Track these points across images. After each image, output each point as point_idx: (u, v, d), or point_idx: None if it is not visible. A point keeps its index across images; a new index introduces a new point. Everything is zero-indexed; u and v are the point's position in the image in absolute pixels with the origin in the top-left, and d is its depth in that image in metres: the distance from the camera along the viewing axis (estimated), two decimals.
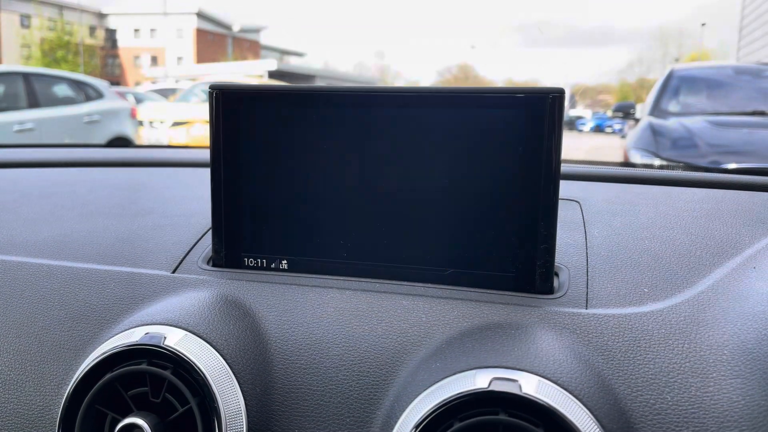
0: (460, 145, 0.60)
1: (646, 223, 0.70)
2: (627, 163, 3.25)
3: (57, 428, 0.53)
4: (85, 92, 6.83)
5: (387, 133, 0.61)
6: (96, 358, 0.54)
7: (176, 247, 0.71)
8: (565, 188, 0.80)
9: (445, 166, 0.60)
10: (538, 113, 0.57)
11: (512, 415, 0.46)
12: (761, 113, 4.11)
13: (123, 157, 1.18)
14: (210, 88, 0.65)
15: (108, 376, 0.53)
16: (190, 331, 0.56)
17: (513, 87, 0.58)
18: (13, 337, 0.63)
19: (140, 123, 7.96)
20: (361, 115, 0.61)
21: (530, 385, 0.47)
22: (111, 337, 0.57)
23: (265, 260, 0.66)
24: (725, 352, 0.51)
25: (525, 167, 0.58)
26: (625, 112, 5.34)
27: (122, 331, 0.57)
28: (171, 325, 0.56)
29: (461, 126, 0.59)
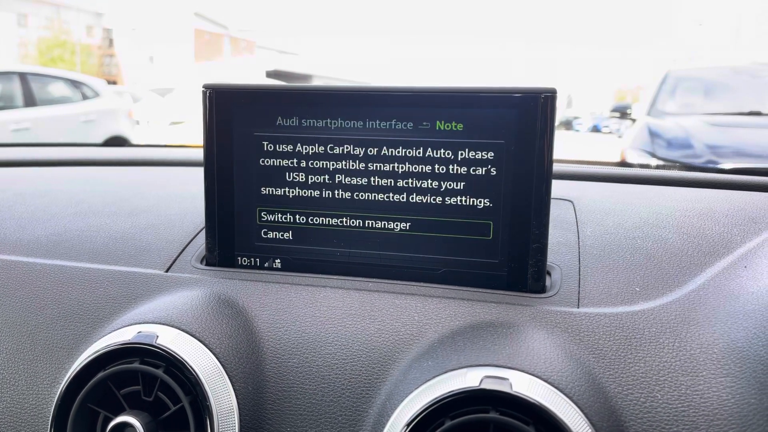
0: (452, 144, 0.60)
1: (638, 222, 0.71)
2: (620, 163, 3.26)
3: (49, 427, 0.53)
4: (82, 91, 6.81)
5: (381, 132, 0.61)
6: (88, 356, 0.54)
7: (170, 246, 0.71)
8: (558, 187, 0.80)
9: (438, 164, 0.60)
10: (530, 112, 0.57)
11: (503, 414, 0.46)
12: (758, 113, 4.12)
13: (116, 157, 1.18)
14: (203, 87, 0.65)
15: (100, 374, 0.53)
16: (182, 330, 0.56)
17: (506, 86, 0.58)
18: (5, 336, 0.63)
19: (137, 122, 7.94)
20: (352, 114, 0.61)
21: (521, 384, 0.47)
22: (104, 336, 0.57)
23: (258, 259, 0.66)
24: (716, 350, 0.51)
25: (517, 166, 0.58)
26: (622, 112, 5.35)
27: (115, 330, 0.57)
28: (164, 324, 0.56)
29: (454, 125, 0.59)
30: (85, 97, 6.81)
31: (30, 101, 6.23)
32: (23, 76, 6.30)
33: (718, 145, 3.64)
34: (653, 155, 3.82)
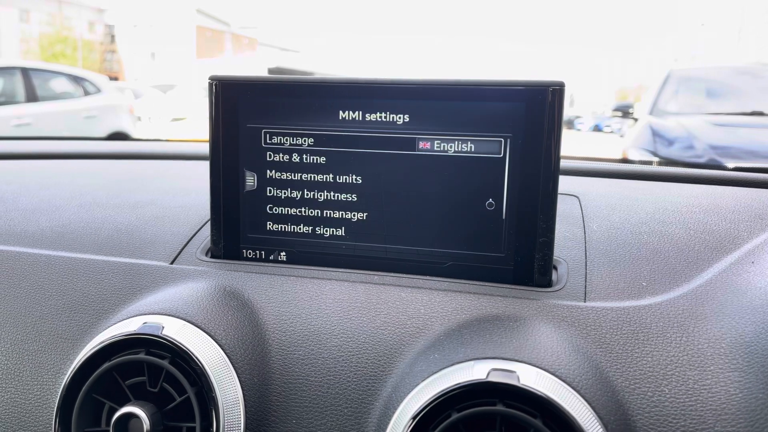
0: (459, 137, 0.59)
1: (644, 218, 0.70)
2: (626, 160, 3.26)
3: (54, 417, 0.53)
4: (84, 87, 6.81)
5: (386, 125, 0.61)
6: (94, 347, 0.54)
7: (175, 238, 0.71)
8: (565, 183, 0.80)
9: (444, 158, 0.60)
10: (538, 106, 0.57)
11: (510, 406, 0.46)
12: (760, 114, 4.11)
13: (122, 150, 1.18)
14: (210, 79, 0.65)
15: (106, 365, 0.53)
16: (188, 321, 0.56)
17: (514, 80, 0.58)
18: (10, 327, 0.63)
19: (138, 118, 7.95)
20: (359, 106, 0.61)
21: (528, 377, 0.47)
22: (109, 327, 0.57)
23: (263, 252, 0.66)
24: (723, 345, 0.51)
25: (524, 160, 0.58)
26: (624, 111, 5.35)
27: (120, 321, 0.57)
28: (169, 315, 0.56)
29: (461, 118, 0.59)
30: (86, 93, 6.81)
31: (32, 97, 6.22)
32: (25, 72, 6.30)
33: (721, 145, 3.64)
34: (655, 154, 3.82)
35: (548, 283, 0.60)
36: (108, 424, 0.52)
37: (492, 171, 0.59)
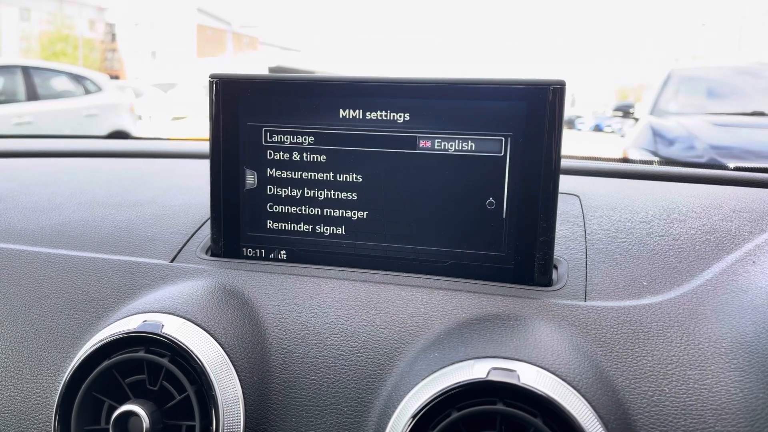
0: (460, 136, 0.59)
1: (645, 217, 0.70)
2: (627, 159, 3.26)
3: (54, 415, 0.53)
4: (84, 86, 6.81)
5: (387, 123, 0.61)
6: (94, 345, 0.54)
7: (175, 236, 0.71)
8: (565, 183, 0.80)
9: (444, 156, 0.60)
10: (539, 104, 0.57)
11: (510, 405, 0.46)
12: (761, 114, 4.11)
13: (122, 148, 1.18)
14: (210, 76, 0.65)
15: (105, 363, 0.53)
16: (188, 320, 0.55)
17: (514, 78, 0.58)
18: (10, 325, 0.63)
19: (139, 117, 7.94)
20: (359, 105, 0.61)
21: (528, 376, 0.47)
22: (109, 325, 0.57)
23: (263, 250, 0.66)
24: (724, 344, 0.51)
25: (525, 159, 0.58)
26: (625, 111, 5.34)
27: (120, 319, 0.57)
28: (169, 314, 0.56)
29: (461, 117, 0.59)
30: (87, 92, 6.81)
31: (32, 95, 6.22)
32: (26, 70, 6.29)
33: (721, 145, 3.64)
34: (656, 154, 3.82)
35: (548, 283, 0.60)
36: (108, 422, 0.52)
37: (492, 170, 0.59)
